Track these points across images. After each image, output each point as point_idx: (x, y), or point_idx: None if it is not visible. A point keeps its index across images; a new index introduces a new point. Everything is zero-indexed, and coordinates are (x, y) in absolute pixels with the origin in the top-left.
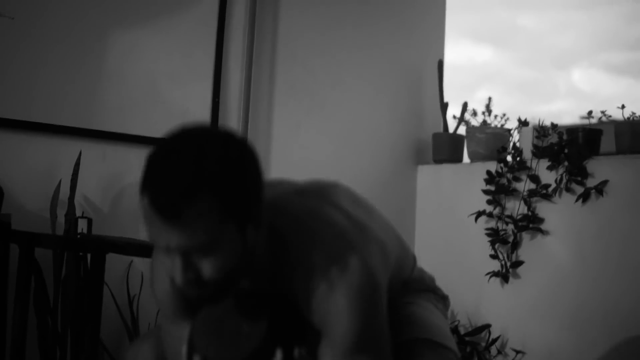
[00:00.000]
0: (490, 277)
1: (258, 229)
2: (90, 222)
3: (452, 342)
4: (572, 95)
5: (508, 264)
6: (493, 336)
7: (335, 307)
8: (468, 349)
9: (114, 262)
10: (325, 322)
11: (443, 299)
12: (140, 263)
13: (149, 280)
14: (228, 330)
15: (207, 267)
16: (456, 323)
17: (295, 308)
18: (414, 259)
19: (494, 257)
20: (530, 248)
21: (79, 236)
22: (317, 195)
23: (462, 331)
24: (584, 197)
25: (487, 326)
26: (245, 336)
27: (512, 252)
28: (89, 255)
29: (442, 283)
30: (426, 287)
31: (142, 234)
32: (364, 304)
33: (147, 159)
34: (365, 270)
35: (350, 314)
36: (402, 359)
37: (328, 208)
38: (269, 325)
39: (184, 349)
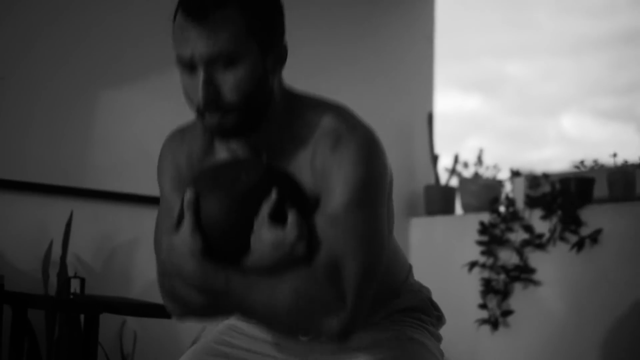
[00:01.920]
0: (480, 324)
1: (277, 69)
2: (83, 281)
3: None
4: (562, 142)
5: (498, 312)
6: None
7: (339, 159)
8: None
9: (107, 322)
10: (327, 176)
11: (438, 319)
12: (133, 322)
13: (158, 161)
14: (224, 175)
15: (228, 84)
16: None
17: (295, 181)
18: (410, 268)
19: (483, 306)
20: (522, 298)
21: (72, 296)
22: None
23: None
24: (579, 245)
25: None
26: (241, 180)
27: (502, 302)
28: (82, 315)
29: None
30: (421, 305)
31: (134, 293)
32: (369, 159)
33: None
34: (373, 135)
35: (354, 165)
36: None
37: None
38: (266, 172)
39: (175, 209)
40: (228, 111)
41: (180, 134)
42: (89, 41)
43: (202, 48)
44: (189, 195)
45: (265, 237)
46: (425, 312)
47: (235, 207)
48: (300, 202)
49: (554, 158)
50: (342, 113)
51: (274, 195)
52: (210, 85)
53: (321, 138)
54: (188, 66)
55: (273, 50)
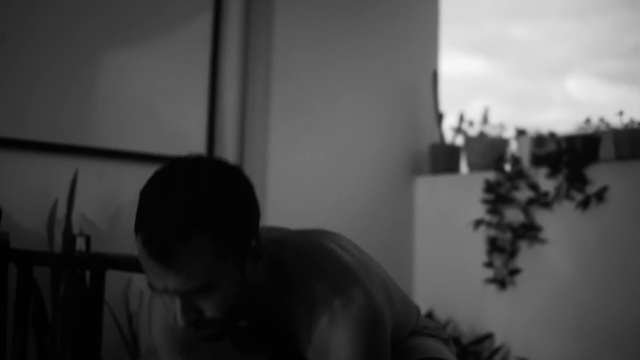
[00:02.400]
0: (487, 284)
1: (257, 263)
2: (88, 239)
3: None
4: (567, 104)
5: (505, 271)
6: (496, 345)
7: (337, 339)
8: (471, 359)
9: (113, 280)
10: (327, 355)
11: (446, 343)
12: (139, 280)
13: (147, 318)
14: None
15: (207, 307)
16: (458, 334)
17: (294, 344)
18: (418, 310)
19: (489, 265)
20: (529, 256)
21: (77, 254)
22: (321, 234)
23: (464, 341)
24: (584, 204)
25: (490, 335)
26: None
27: (509, 260)
28: (87, 274)
29: (443, 293)
30: (431, 334)
31: None
32: (367, 336)
33: (140, 195)
34: (369, 304)
35: (352, 347)
36: None
37: (332, 244)
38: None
39: None
40: (210, 324)
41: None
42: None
43: (174, 285)
44: None
45: None
46: (434, 336)
47: None
48: None
49: (559, 120)
50: (332, 281)
51: None
52: (189, 310)
53: (316, 314)
54: (162, 292)
55: (250, 252)
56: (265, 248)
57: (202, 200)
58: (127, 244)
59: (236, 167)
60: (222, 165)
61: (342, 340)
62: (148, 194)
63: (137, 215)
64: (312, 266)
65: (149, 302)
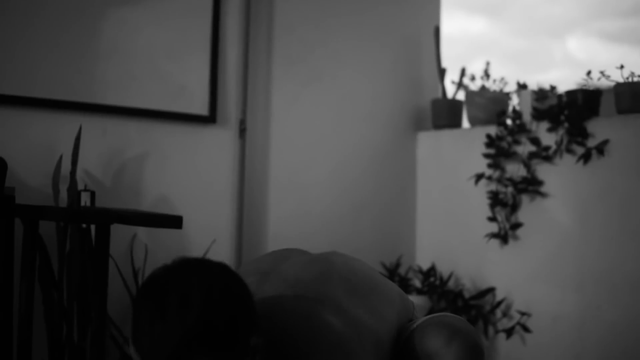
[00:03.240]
0: (490, 238)
1: (257, 354)
2: (93, 195)
3: None
4: (568, 64)
5: (507, 226)
6: (497, 299)
7: None
8: (473, 313)
9: (118, 235)
10: None
11: None
12: (144, 236)
13: None
14: None
15: None
16: (460, 288)
17: None
18: (413, 305)
19: (492, 219)
20: (530, 210)
21: (82, 209)
22: (314, 293)
23: (466, 295)
24: (585, 157)
25: (491, 289)
26: None
27: (511, 215)
28: (92, 229)
29: (445, 248)
30: None
31: (144, 207)
32: None
33: (133, 307)
34: None
35: None
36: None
37: (323, 313)
38: None
39: None
40: None
41: None
42: None
43: None
44: None
45: None
46: None
47: None
48: None
49: (560, 80)
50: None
51: None
52: None
53: None
54: None
55: (249, 352)
56: (263, 328)
57: (196, 315)
58: (131, 199)
59: (224, 265)
60: (210, 270)
61: None
62: (141, 309)
63: (133, 330)
64: (306, 346)
65: None
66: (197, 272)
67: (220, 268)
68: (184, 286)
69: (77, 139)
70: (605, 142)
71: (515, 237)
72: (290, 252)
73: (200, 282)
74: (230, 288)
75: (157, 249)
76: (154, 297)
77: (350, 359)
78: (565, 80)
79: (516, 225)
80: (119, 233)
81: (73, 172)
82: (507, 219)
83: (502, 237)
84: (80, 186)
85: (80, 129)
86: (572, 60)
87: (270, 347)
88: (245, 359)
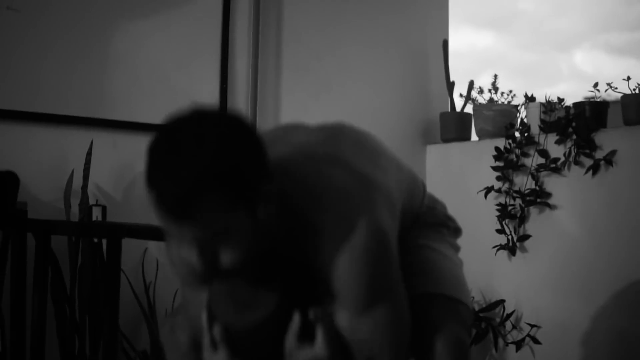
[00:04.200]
0: (498, 250)
1: (269, 203)
2: (104, 209)
3: (465, 294)
4: (575, 77)
5: (515, 237)
6: (507, 311)
7: (343, 269)
8: (483, 325)
9: (129, 250)
10: (335, 285)
11: (455, 232)
12: (155, 250)
13: (166, 252)
14: (243, 298)
15: (222, 254)
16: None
17: (308, 270)
18: (424, 186)
19: (500, 231)
20: (539, 222)
21: (94, 223)
22: (323, 153)
23: (476, 307)
24: (594, 168)
25: (501, 301)
26: (260, 302)
27: (519, 227)
28: (104, 243)
29: None
30: (439, 221)
31: (156, 221)
32: (371, 264)
33: (147, 150)
34: (371, 231)
35: (357, 276)
36: (413, 315)
37: (334, 169)
38: (283, 289)
39: (203, 315)
40: (227, 270)
41: None
42: None
43: (189, 235)
44: (218, 329)
45: (298, 356)
46: (443, 225)
47: (261, 331)
48: (320, 299)
49: (568, 93)
50: (339, 211)
51: (296, 320)
52: (206, 257)
53: (322, 243)
54: (177, 239)
55: (261, 196)
56: (274, 183)
57: (209, 154)
58: (143, 214)
59: (238, 116)
60: (225, 116)
61: (347, 270)
62: (155, 151)
63: (147, 173)
64: (317, 200)
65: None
66: (211, 116)
67: (234, 115)
68: (199, 127)
69: (89, 154)
70: (613, 153)
71: (524, 249)
72: (300, 124)
73: (214, 124)
74: (244, 132)
75: (168, 263)
76: (168, 137)
77: (360, 211)
78: (573, 94)
79: (524, 237)
80: (130, 247)
81: (84, 187)
82: (516, 230)
83: (510, 248)
84: (92, 201)
85: (91, 144)
86: (579, 73)
87: (280, 199)
88: (256, 204)
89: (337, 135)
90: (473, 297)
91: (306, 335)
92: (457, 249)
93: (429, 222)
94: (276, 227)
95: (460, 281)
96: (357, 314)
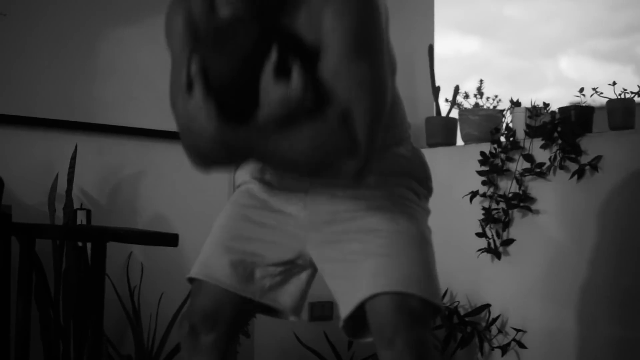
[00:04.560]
0: (480, 253)
1: None
2: (89, 213)
3: (434, 293)
4: (561, 83)
5: (498, 241)
6: (493, 316)
7: (334, 8)
8: (469, 329)
9: (114, 254)
10: (324, 27)
11: (429, 190)
12: (139, 254)
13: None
14: (225, 37)
15: None
16: (455, 304)
17: (290, 27)
18: (409, 125)
19: (481, 235)
20: (523, 226)
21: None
22: None
23: (461, 312)
24: (579, 173)
25: (487, 306)
26: (241, 33)
27: (503, 231)
28: (88, 247)
29: (439, 265)
30: (414, 174)
31: (140, 226)
32: (363, 7)
33: None
34: None
35: (348, 14)
36: (374, 317)
37: None
38: (263, 31)
39: (184, 70)
40: None
41: None
42: None
43: None
44: (195, 63)
45: (273, 92)
46: (419, 180)
47: (239, 67)
48: (302, 55)
49: (553, 99)
50: None
51: (274, 52)
52: None
53: None
54: None
55: None
56: None
57: None
58: (127, 218)
59: None
60: None
61: (339, 8)
62: None
63: None
64: None
65: (167, 12)
66: None
67: None
68: None
69: (73, 158)
70: (598, 158)
71: (509, 254)
72: None
73: None
74: None
75: (153, 267)
76: None
77: None
78: (558, 99)
79: (509, 241)
80: (115, 251)
81: (69, 191)
82: (499, 235)
83: (494, 252)
84: (77, 205)
85: (76, 148)
86: (565, 79)
87: None
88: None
89: None
90: (458, 302)
91: (283, 74)
92: (427, 212)
93: (408, 172)
94: None
95: (431, 275)
96: (340, 59)
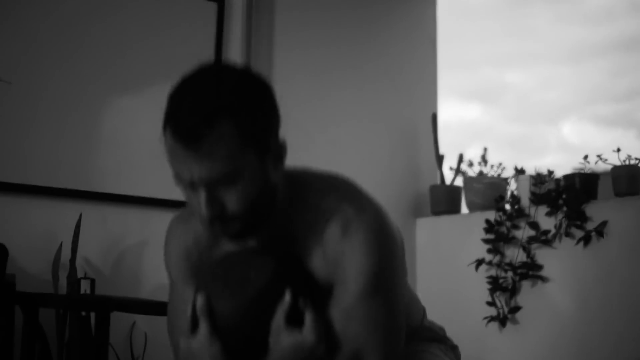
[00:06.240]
0: (488, 321)
1: (277, 166)
2: (93, 282)
3: None
4: (563, 149)
5: (506, 310)
6: None
7: (350, 247)
8: None
9: (117, 324)
10: (339, 265)
11: (453, 349)
12: (143, 324)
13: (164, 245)
14: (234, 276)
15: (231, 200)
16: None
17: (301, 262)
18: (424, 311)
19: (491, 304)
20: (530, 294)
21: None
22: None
23: None
24: (585, 240)
25: None
26: (251, 280)
27: (510, 299)
28: (92, 317)
29: (447, 332)
30: (437, 337)
31: (143, 295)
32: (380, 244)
33: (168, 95)
34: (381, 214)
35: (365, 253)
36: None
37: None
38: (275, 271)
39: (188, 309)
40: (233, 219)
41: (185, 219)
42: (95, 46)
43: (200, 173)
44: (200, 301)
45: (284, 341)
46: (441, 342)
47: (248, 310)
48: (314, 293)
49: (556, 165)
50: (347, 193)
51: (287, 298)
52: (214, 202)
53: (330, 224)
54: (188, 185)
55: (271, 149)
56: (284, 165)
57: (228, 90)
58: (131, 287)
59: (259, 73)
60: (247, 68)
61: (355, 247)
62: (176, 91)
63: (167, 111)
64: (326, 181)
65: (166, 235)
66: (234, 67)
67: (256, 71)
68: (220, 71)
69: (77, 227)
70: (604, 224)
71: (515, 321)
72: None
73: (233, 70)
74: (262, 82)
75: (157, 337)
76: (190, 79)
77: (371, 201)
78: (561, 165)
79: (515, 309)
80: (119, 321)
81: (73, 260)
82: (507, 303)
83: (501, 320)
84: (80, 274)
85: (80, 217)
86: (567, 145)
87: (295, 186)
88: (265, 153)
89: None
90: None
91: (294, 319)
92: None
93: (427, 337)
94: (283, 204)
95: None
96: (355, 300)
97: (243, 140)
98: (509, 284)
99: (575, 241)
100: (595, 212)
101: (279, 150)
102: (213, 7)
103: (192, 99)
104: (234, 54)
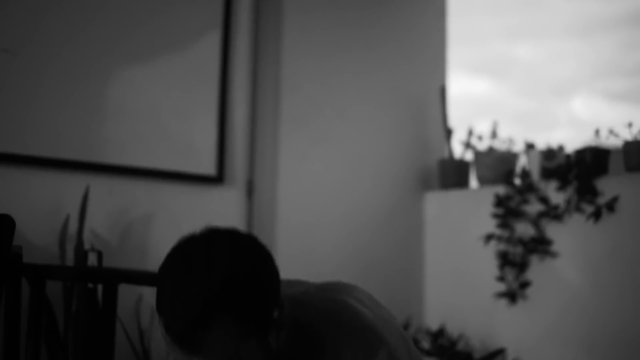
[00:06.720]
0: (498, 298)
1: (280, 332)
2: (100, 255)
3: None
4: (573, 124)
5: (516, 285)
6: None
7: None
8: None
9: (124, 296)
10: None
11: None
12: (150, 297)
13: None
14: None
15: None
16: (470, 349)
17: None
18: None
19: (501, 279)
20: (540, 269)
21: (89, 268)
22: (339, 290)
23: (476, 356)
24: (595, 215)
25: (501, 350)
26: None
27: (520, 274)
28: (99, 289)
29: (454, 308)
30: None
31: (150, 267)
32: None
33: (159, 271)
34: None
35: None
36: None
37: (352, 301)
38: None
39: None
40: None
41: None
42: (102, 15)
43: None
44: None
45: None
46: None
47: None
48: None
49: (565, 140)
50: (361, 343)
51: None
52: None
53: None
54: None
55: (273, 326)
56: (286, 312)
57: (220, 282)
58: (138, 259)
59: (252, 237)
60: (238, 239)
61: None
62: (166, 275)
63: (157, 297)
64: (337, 327)
65: None
66: (223, 240)
67: (247, 239)
68: (209, 254)
69: (85, 199)
70: (615, 199)
71: (525, 297)
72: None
73: (225, 251)
74: (255, 258)
75: None
76: (178, 264)
77: (382, 343)
78: (571, 140)
79: (525, 284)
80: (125, 294)
81: (80, 232)
82: (516, 278)
83: (511, 296)
84: (87, 246)
85: (87, 188)
86: (577, 120)
87: (301, 334)
88: (267, 333)
89: (353, 287)
90: (473, 346)
91: None
92: None
93: None
94: (291, 354)
95: None
96: None
97: (242, 334)
98: (518, 259)
99: (585, 216)
100: (606, 187)
101: (281, 321)
102: None
103: (182, 296)
104: (242, 26)
